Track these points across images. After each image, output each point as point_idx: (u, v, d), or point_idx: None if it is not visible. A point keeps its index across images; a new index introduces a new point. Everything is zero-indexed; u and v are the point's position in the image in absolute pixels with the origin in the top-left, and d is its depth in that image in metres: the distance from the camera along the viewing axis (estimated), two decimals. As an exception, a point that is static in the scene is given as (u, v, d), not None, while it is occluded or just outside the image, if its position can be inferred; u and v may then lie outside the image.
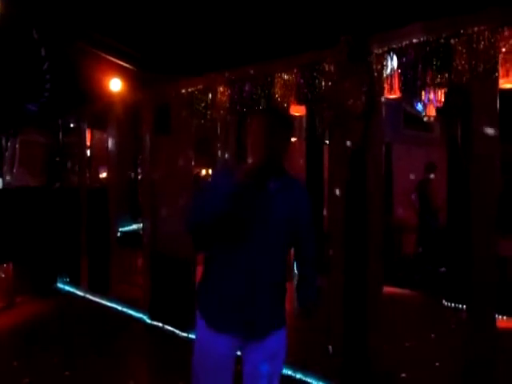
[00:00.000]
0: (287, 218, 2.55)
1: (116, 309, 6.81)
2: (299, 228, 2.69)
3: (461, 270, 5.89)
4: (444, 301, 6.69)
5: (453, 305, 6.56)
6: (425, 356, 4.92)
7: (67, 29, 5.80)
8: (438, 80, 3.79)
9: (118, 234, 7.45)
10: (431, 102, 6.39)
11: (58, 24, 5.66)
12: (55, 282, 8.16)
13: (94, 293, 7.47)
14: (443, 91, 5.87)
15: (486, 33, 3.49)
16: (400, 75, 4.00)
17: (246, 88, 5.02)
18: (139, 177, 7.52)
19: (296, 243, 2.80)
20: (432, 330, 5.70)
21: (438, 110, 7.07)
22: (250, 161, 2.47)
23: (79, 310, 6.98)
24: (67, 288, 8.01)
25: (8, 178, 10.69)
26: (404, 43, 3.95)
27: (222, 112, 5.38)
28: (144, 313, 6.38)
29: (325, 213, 7.83)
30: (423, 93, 5.44)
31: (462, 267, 4.69)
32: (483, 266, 3.62)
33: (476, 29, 3.54)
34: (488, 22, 3.50)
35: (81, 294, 7.67)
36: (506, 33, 3.46)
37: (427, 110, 7.24)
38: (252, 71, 5.02)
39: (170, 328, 5.93)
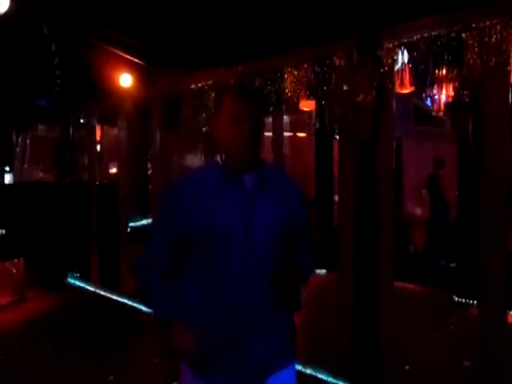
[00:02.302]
0: (275, 221, 2.05)
1: (126, 303, 6.84)
2: (291, 233, 2.15)
3: (471, 265, 5.86)
4: (455, 296, 6.67)
5: (464, 300, 6.54)
6: (435, 351, 4.91)
7: (77, 24, 5.81)
8: (450, 75, 3.77)
9: (128, 230, 7.46)
10: (441, 97, 6.35)
11: (68, 20, 5.68)
12: (66, 277, 8.19)
13: (104, 288, 7.50)
14: (453, 86, 5.84)
15: (498, 26, 3.46)
16: (411, 69, 3.99)
17: (256, 83, 5.01)
18: (149, 172, 7.52)
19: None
20: (442, 326, 5.68)
21: (447, 104, 7.04)
22: (223, 155, 2.08)
23: (89, 305, 7.01)
24: (78, 283, 8.05)
25: (19, 172, 10.76)
26: (415, 37, 3.93)
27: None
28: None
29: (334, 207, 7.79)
30: (433, 87, 5.41)
31: (473, 262, 4.67)
32: (494, 260, 3.60)
33: (488, 22, 3.51)
34: (500, 15, 3.48)
35: (91, 289, 7.69)
36: (518, 26, 3.43)
37: (436, 104, 7.21)
38: (262, 66, 5.01)
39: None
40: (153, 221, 2.34)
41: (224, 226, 1.98)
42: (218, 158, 2.10)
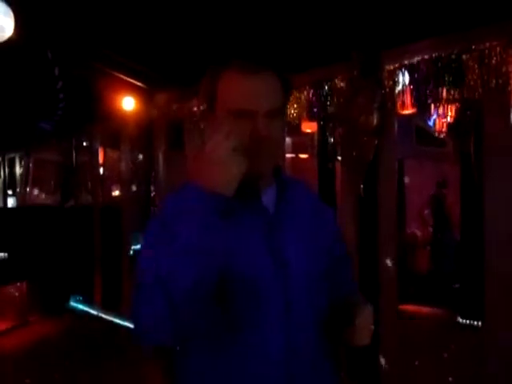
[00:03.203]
0: (314, 257, 1.49)
1: (129, 327, 6.79)
2: (333, 269, 1.61)
3: (475, 286, 5.83)
4: (459, 317, 6.62)
5: (468, 321, 6.49)
6: (437, 374, 4.86)
7: (80, 48, 5.86)
8: (451, 96, 3.79)
9: (131, 252, 7.45)
10: (442, 118, 6.37)
11: (72, 44, 5.72)
12: (68, 300, 8.16)
13: (107, 311, 7.46)
14: (455, 107, 5.86)
15: (498, 48, 3.49)
16: (412, 91, 4.00)
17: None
18: (152, 194, 7.53)
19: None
20: (446, 347, 5.63)
21: (449, 125, 7.05)
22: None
23: (92, 328, 6.97)
24: (80, 307, 8.01)
25: (22, 196, 10.77)
26: (416, 59, 3.95)
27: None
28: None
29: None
30: (435, 108, 5.43)
31: (476, 283, 4.65)
32: (496, 282, 3.58)
33: (488, 44, 3.54)
34: (499, 37, 3.50)
35: (94, 312, 7.66)
36: (519, 48, 3.45)
37: (438, 125, 7.22)
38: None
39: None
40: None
41: (246, 277, 1.33)
42: None
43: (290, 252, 1.43)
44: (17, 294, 7.30)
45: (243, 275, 1.32)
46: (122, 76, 6.50)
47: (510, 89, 3.46)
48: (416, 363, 5.12)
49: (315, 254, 1.50)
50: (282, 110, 1.45)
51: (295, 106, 4.75)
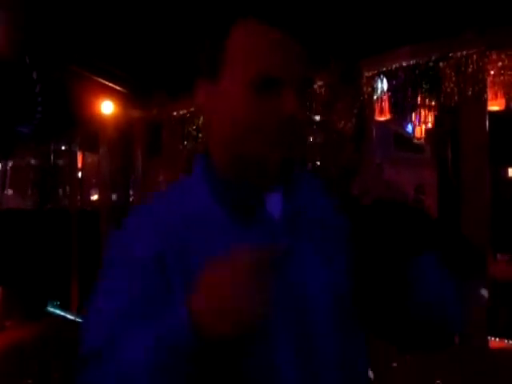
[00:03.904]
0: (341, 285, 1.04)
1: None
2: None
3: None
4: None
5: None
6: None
7: (59, 52, 5.82)
8: (428, 102, 3.83)
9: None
10: (420, 124, 6.43)
11: (50, 48, 5.69)
12: (45, 305, 8.07)
13: (84, 316, 7.39)
14: (433, 113, 5.91)
15: (475, 56, 3.53)
16: (390, 97, 4.04)
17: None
18: (131, 199, 7.49)
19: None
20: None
21: (427, 131, 7.11)
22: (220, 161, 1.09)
23: (69, 333, 6.90)
24: (57, 311, 7.93)
25: (-1, 200, 10.65)
26: (394, 66, 3.99)
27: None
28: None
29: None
30: (413, 115, 5.48)
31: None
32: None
33: (464, 52, 3.59)
34: (476, 45, 3.55)
35: (71, 317, 7.58)
36: (494, 56, 3.50)
37: (416, 131, 7.28)
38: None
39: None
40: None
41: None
42: (202, 166, 1.10)
43: (309, 281, 1.01)
44: (-7, 299, 7.22)
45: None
46: (100, 80, 6.47)
47: (485, 96, 3.51)
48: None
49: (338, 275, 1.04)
50: (312, 83, 1.01)
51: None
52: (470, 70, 3.53)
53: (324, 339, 1.00)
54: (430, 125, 6.25)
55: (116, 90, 6.76)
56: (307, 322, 0.99)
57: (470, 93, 3.53)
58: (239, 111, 0.99)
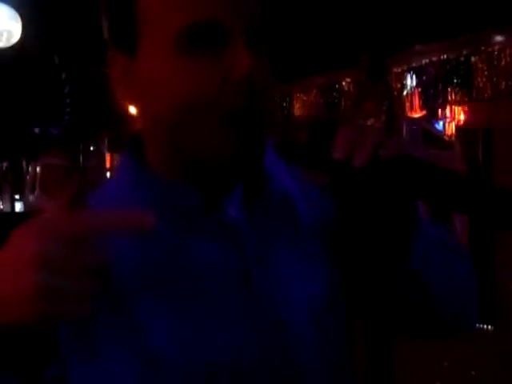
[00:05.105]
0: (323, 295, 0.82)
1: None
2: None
3: (485, 288, 5.78)
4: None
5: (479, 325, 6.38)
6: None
7: (88, 53, 5.88)
8: (459, 98, 3.76)
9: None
10: (451, 121, 6.33)
11: (79, 49, 5.74)
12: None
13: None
14: (464, 109, 5.81)
15: (507, 49, 3.46)
16: (420, 94, 3.98)
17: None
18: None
19: None
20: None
21: (458, 128, 7.00)
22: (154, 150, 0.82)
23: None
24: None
25: (29, 201, 10.79)
26: (424, 62, 3.92)
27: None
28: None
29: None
30: (443, 111, 5.39)
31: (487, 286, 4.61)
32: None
33: (496, 46, 3.51)
34: (509, 38, 3.47)
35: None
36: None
37: (446, 128, 7.17)
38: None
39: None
40: None
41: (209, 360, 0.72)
42: (132, 159, 0.83)
43: (284, 292, 0.79)
44: None
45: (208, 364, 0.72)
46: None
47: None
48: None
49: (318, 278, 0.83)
50: (265, 34, 0.76)
51: (303, 109, 4.73)
52: (503, 63, 3.45)
53: (303, 352, 0.79)
54: (461, 122, 6.17)
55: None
56: (283, 337, 0.77)
57: (502, 87, 3.46)
58: (168, 85, 0.69)
